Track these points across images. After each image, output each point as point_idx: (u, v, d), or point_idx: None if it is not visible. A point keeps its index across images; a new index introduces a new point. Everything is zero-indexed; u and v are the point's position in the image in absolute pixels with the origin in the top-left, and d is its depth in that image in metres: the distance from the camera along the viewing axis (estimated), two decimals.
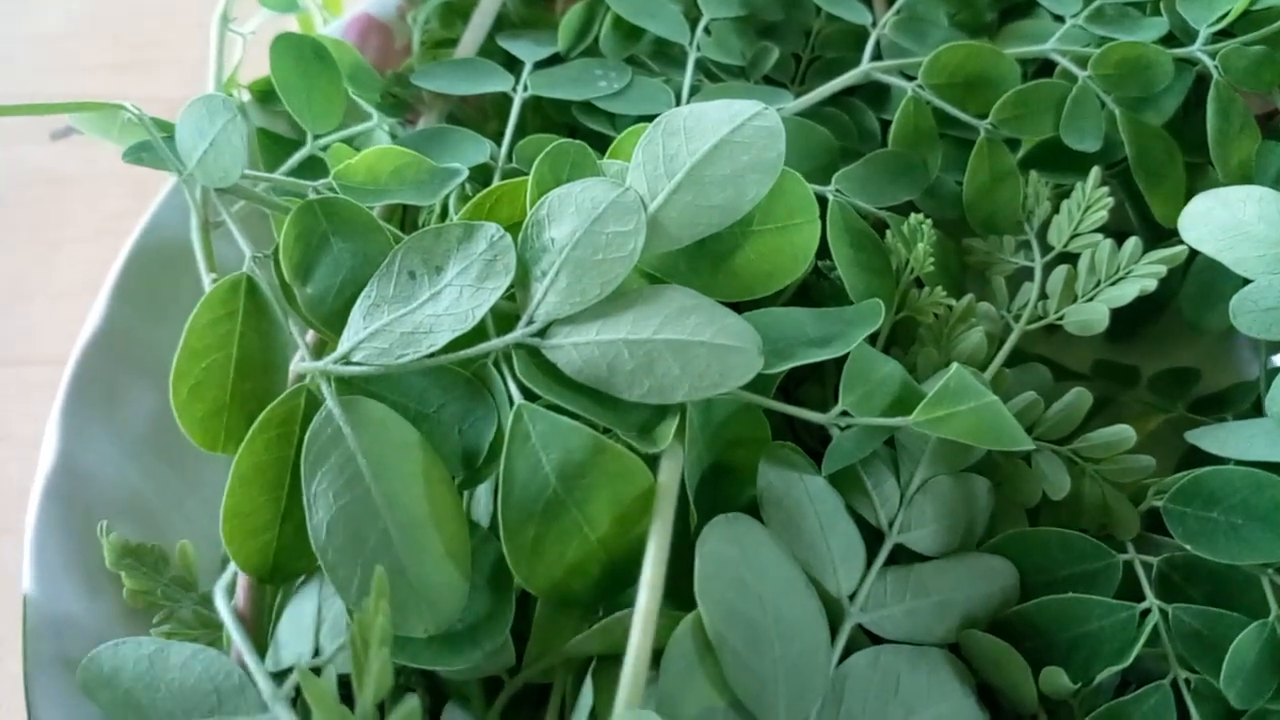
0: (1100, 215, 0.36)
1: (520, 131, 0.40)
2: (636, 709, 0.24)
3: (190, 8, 0.52)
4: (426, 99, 0.43)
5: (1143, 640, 0.29)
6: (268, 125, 0.43)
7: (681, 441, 0.28)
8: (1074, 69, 0.39)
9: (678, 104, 0.41)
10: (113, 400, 0.39)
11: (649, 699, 0.24)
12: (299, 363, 0.30)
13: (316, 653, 0.28)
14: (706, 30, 0.43)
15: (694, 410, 0.29)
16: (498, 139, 0.39)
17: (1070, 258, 0.36)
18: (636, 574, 0.26)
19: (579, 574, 0.28)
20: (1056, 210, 0.38)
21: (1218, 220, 0.33)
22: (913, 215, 0.35)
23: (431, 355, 0.28)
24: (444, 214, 0.38)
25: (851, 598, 0.29)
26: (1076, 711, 0.30)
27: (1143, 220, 0.40)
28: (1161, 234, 0.38)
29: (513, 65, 0.42)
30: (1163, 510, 0.31)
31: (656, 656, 0.25)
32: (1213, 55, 0.38)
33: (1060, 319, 0.35)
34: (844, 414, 0.30)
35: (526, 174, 0.31)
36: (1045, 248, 0.37)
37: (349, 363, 0.29)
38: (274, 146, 0.42)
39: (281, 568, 0.30)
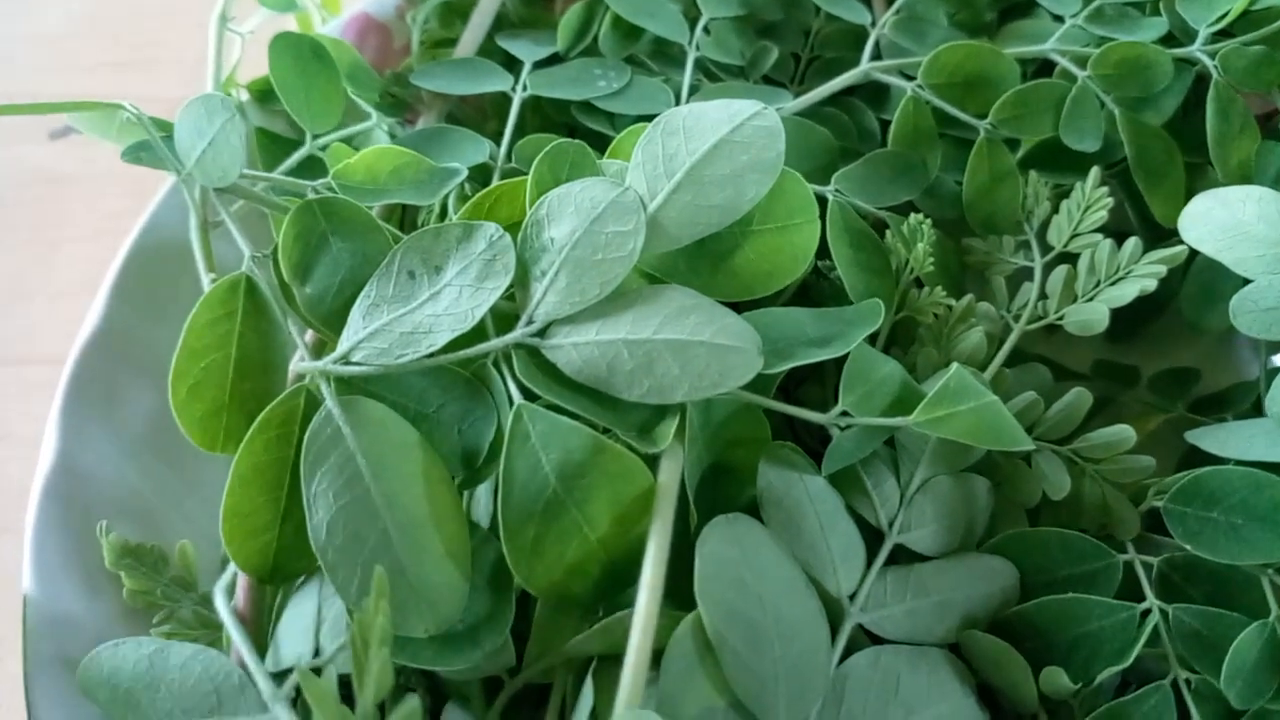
0: (1100, 215, 0.36)
1: (519, 131, 0.40)
2: (636, 709, 0.24)
3: (190, 8, 0.52)
4: (425, 99, 0.43)
5: (1143, 640, 0.29)
6: (266, 125, 0.43)
7: (681, 441, 0.28)
8: (1074, 69, 0.39)
9: (677, 104, 0.41)
10: (112, 400, 0.39)
11: (649, 699, 0.24)
12: (298, 363, 0.30)
13: (316, 653, 0.28)
14: (706, 30, 0.43)
15: (694, 410, 0.29)
16: (497, 139, 0.39)
17: (1070, 258, 0.36)
18: (636, 574, 0.26)
19: (579, 574, 0.28)
20: (1056, 210, 0.38)
21: (1217, 220, 0.33)
22: (912, 215, 0.35)
23: (431, 355, 0.28)
24: (443, 214, 0.38)
25: (851, 598, 0.29)
26: (1077, 711, 0.30)
27: (1142, 220, 0.40)
28: (1161, 234, 0.38)
29: (512, 65, 0.42)
30: (1163, 510, 0.31)
31: (656, 656, 0.25)
32: (1212, 55, 0.38)
33: (1060, 319, 0.35)
34: (844, 414, 0.30)
35: (526, 174, 0.31)
36: (1045, 248, 0.37)
37: (348, 363, 0.29)
38: (273, 146, 0.42)
39: (281, 568, 0.30)
